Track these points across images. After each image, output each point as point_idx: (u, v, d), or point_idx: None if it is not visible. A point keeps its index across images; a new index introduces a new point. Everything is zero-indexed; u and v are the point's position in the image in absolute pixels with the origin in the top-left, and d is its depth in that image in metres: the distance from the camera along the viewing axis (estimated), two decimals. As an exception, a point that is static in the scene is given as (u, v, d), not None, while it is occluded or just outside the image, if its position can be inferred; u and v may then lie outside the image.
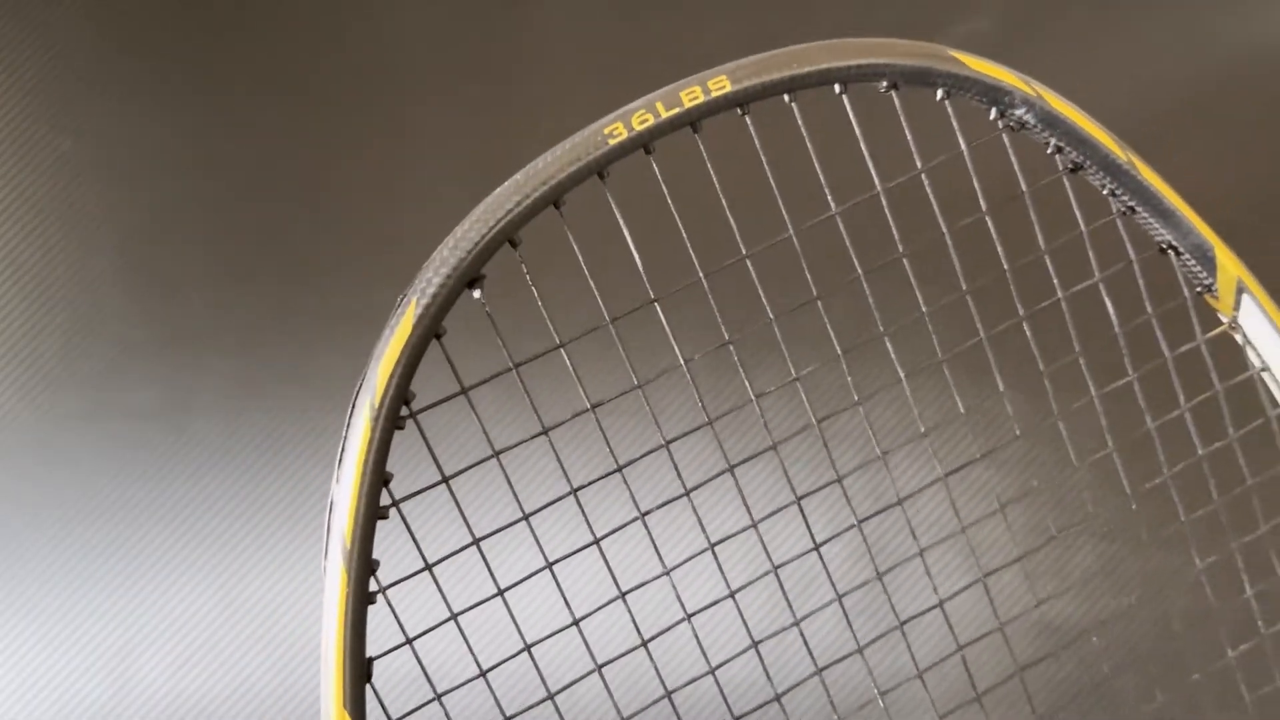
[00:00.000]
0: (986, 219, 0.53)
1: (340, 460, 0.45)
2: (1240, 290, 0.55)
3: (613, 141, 0.46)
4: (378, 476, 0.45)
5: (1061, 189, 0.55)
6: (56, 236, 1.27)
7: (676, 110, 0.47)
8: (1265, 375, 0.55)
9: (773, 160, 0.51)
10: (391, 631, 0.48)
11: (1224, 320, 0.56)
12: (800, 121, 0.50)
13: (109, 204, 1.28)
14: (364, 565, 0.45)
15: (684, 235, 0.50)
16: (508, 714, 0.49)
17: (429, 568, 0.48)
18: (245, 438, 1.31)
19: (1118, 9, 1.23)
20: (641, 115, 0.47)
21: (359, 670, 0.45)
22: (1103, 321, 0.56)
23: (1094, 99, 1.26)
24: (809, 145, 0.50)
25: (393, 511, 0.46)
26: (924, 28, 1.25)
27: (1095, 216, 0.56)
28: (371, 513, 0.45)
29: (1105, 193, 0.54)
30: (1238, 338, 0.56)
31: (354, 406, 0.45)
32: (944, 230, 0.52)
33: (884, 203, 0.52)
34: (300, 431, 1.30)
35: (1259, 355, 0.55)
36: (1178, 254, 0.54)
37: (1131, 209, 0.54)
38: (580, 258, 0.49)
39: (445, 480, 0.48)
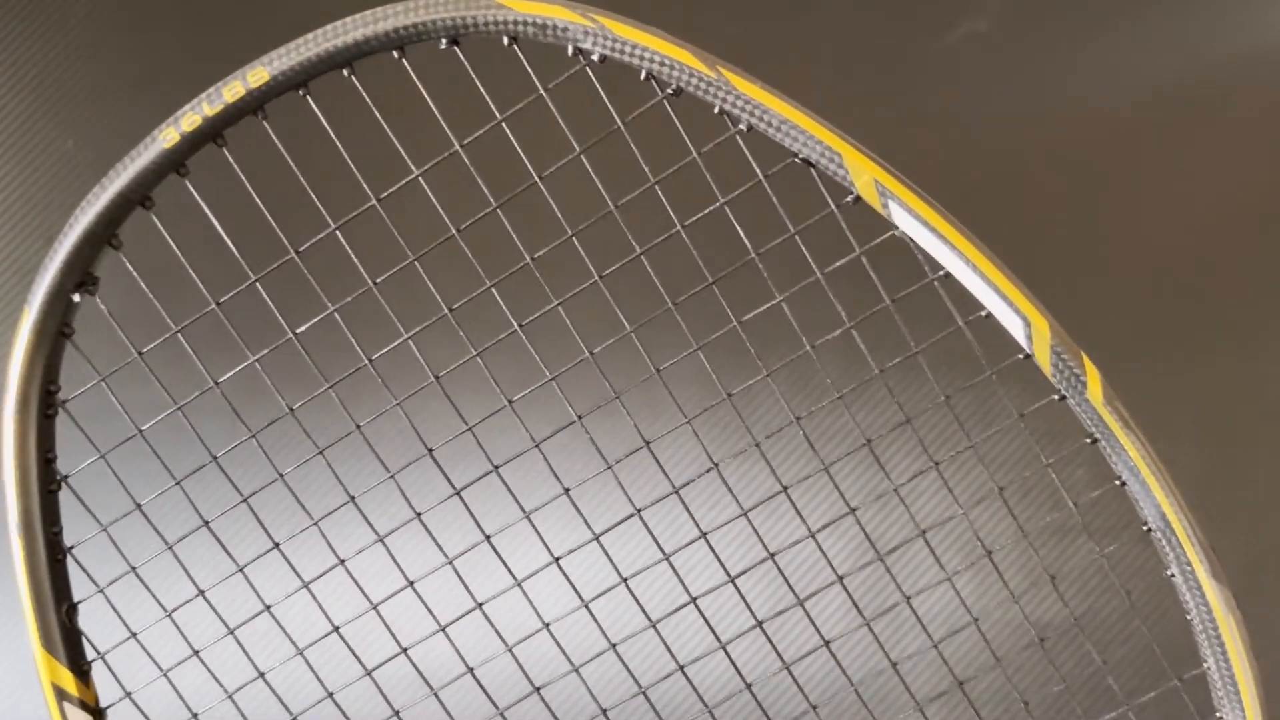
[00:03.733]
0: (583, 160, 0.61)
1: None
2: (884, 195, 0.57)
3: (167, 146, 0.59)
4: (40, 458, 0.62)
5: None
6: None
7: (221, 107, 0.60)
8: (948, 280, 0.58)
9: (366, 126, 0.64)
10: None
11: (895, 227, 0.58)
12: (364, 93, 0.60)
13: None
14: (46, 532, 0.64)
15: (268, 217, 0.64)
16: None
17: (105, 529, 0.67)
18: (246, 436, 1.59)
19: (1116, 9, 1.21)
20: (190, 118, 0.60)
21: (58, 619, 0.65)
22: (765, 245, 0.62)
23: (1093, 99, 1.24)
24: (377, 112, 0.61)
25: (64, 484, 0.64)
26: (924, 28, 1.29)
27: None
28: (43, 488, 0.63)
29: (716, 112, 0.57)
30: (909, 244, 0.58)
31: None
32: (534, 176, 0.61)
33: (465, 160, 0.62)
34: (301, 431, 1.57)
35: (923, 253, 0.58)
36: (812, 165, 0.57)
37: (749, 126, 0.57)
38: (175, 247, 0.65)
39: (102, 456, 0.66)
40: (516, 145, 0.61)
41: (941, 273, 0.60)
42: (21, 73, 1.46)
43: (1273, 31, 1.27)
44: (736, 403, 0.65)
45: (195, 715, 0.66)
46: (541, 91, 0.60)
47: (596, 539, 0.67)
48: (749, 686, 0.69)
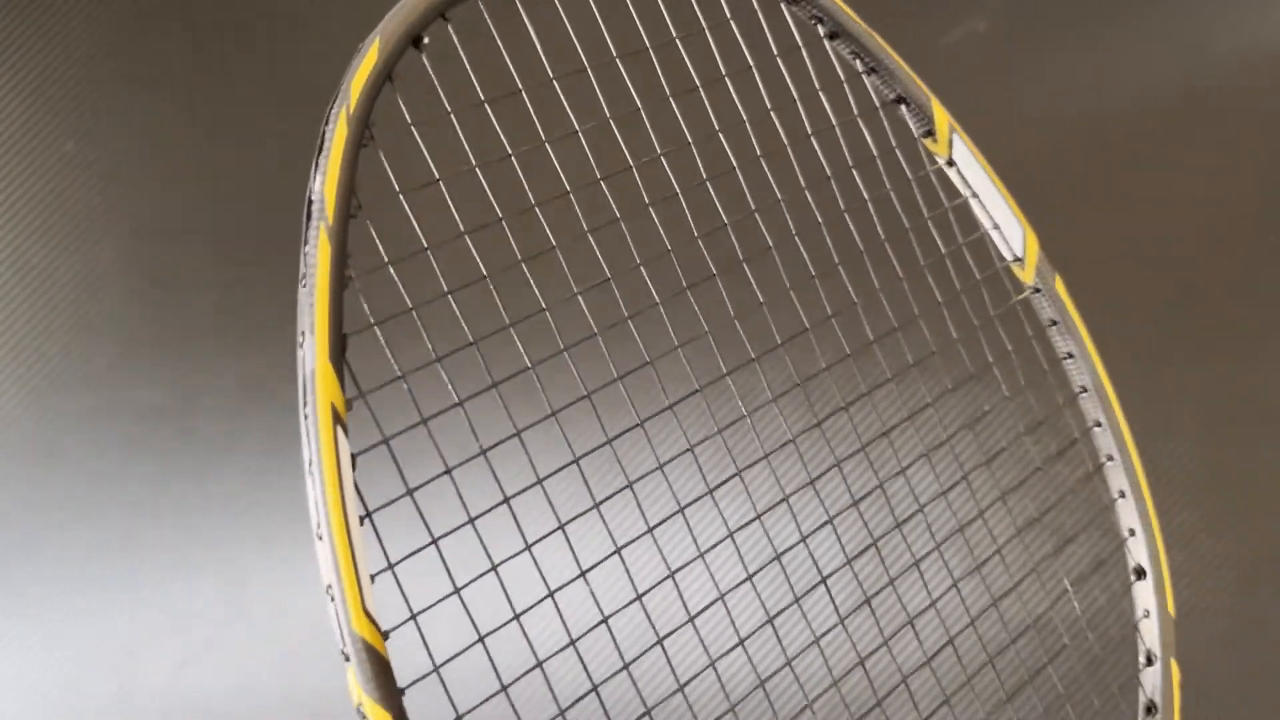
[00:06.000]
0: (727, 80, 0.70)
1: (317, 160, 0.61)
2: (951, 131, 0.81)
3: None
4: (349, 174, 0.61)
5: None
6: (60, 236, 1.48)
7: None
8: (973, 201, 0.82)
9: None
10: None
11: (939, 160, 0.82)
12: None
13: (112, 204, 1.49)
14: (340, 249, 0.61)
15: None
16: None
17: (400, 373, 0.62)
18: (248, 437, 1.51)
19: (1115, 10, 1.35)
20: None
21: (338, 338, 0.60)
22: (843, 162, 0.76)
23: (1093, 99, 1.38)
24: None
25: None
26: (922, 27, 1.40)
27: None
28: (345, 206, 0.60)
29: (849, 54, 0.78)
30: (953, 174, 0.82)
31: (329, 116, 0.60)
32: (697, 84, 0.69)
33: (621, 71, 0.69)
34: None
35: (967, 184, 0.81)
36: (906, 104, 0.80)
37: (871, 69, 0.79)
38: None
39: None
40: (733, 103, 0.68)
41: (971, 195, 0.83)
42: (22, 73, 1.50)
43: (1273, 31, 1.35)
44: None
45: (481, 639, 0.60)
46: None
47: (730, 536, 0.72)
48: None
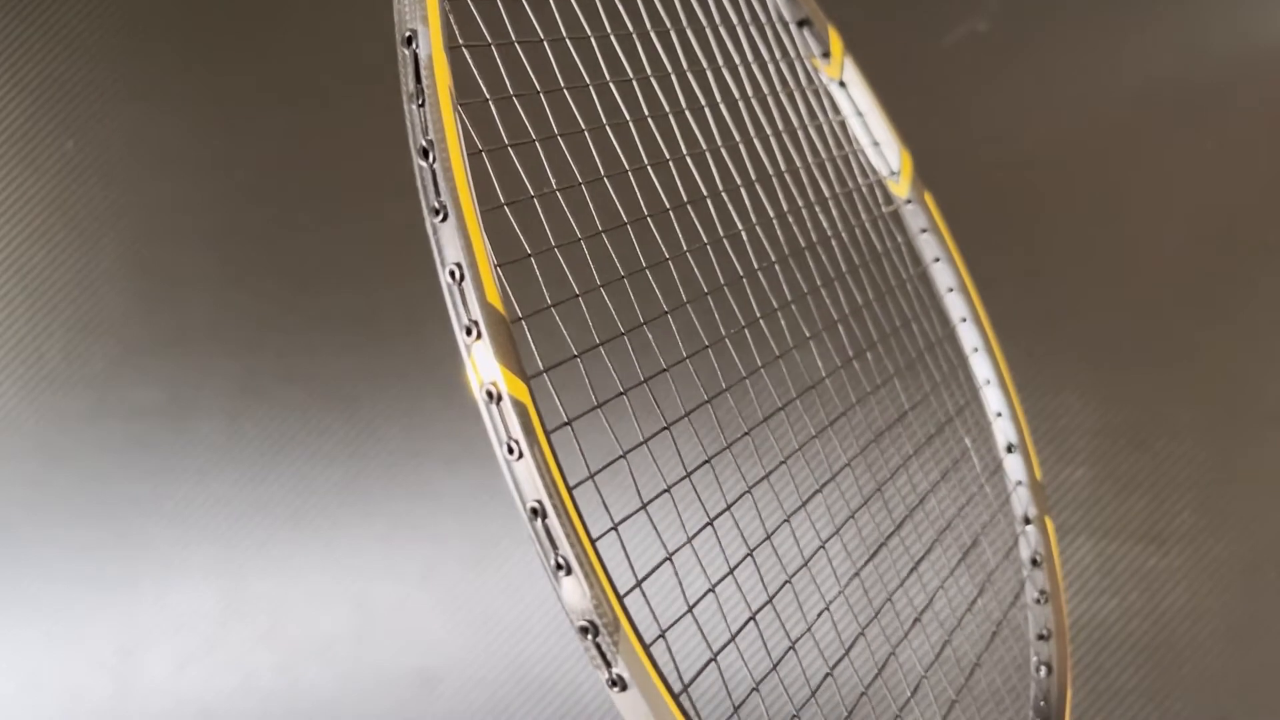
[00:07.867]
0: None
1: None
2: (844, 54, 0.88)
3: None
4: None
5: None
6: (60, 237, 1.50)
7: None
8: (856, 119, 0.89)
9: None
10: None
11: (830, 81, 0.88)
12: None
13: (112, 205, 1.51)
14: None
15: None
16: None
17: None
18: (247, 437, 1.53)
19: (1115, 9, 1.37)
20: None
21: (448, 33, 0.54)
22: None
23: (1093, 99, 1.39)
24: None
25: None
26: (922, 27, 1.41)
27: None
28: None
29: None
30: (843, 95, 0.88)
31: None
32: None
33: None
34: (301, 431, 1.52)
35: (853, 102, 0.89)
36: (811, 26, 0.87)
37: None
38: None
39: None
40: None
41: (856, 113, 0.90)
42: (22, 73, 1.51)
43: (1273, 31, 1.36)
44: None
45: (669, 556, 0.58)
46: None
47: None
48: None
